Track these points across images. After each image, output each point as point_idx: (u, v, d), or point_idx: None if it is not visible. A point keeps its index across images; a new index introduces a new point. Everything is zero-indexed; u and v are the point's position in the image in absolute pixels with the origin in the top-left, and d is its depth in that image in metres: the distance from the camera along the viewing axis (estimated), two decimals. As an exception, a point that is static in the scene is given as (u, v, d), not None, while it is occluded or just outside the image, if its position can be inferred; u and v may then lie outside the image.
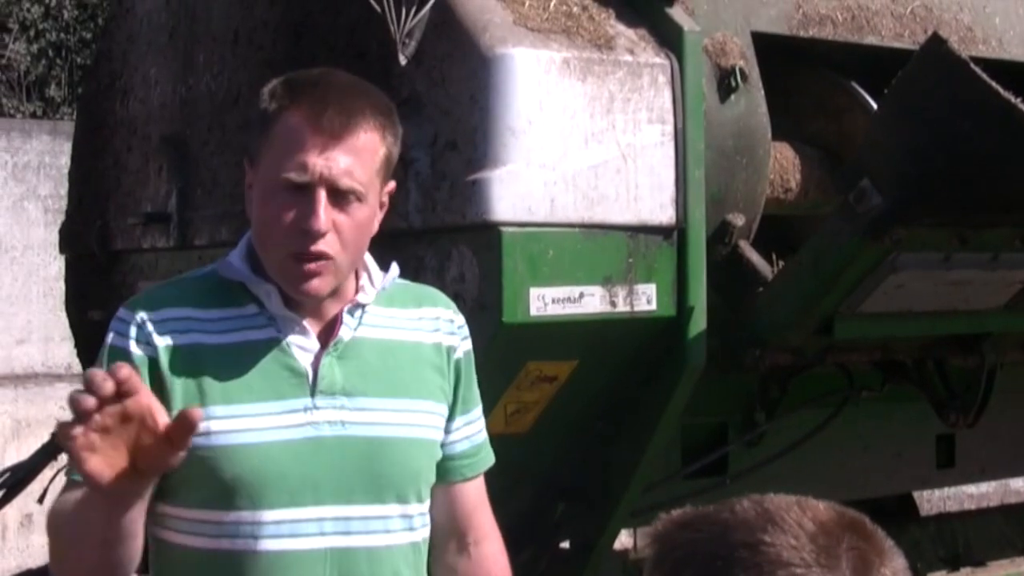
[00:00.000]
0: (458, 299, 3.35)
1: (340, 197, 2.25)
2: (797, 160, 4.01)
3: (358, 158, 2.25)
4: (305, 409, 2.31)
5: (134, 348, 2.30)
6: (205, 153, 4.39)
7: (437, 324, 2.45)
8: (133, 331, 2.31)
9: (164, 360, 2.30)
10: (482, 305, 3.33)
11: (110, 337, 2.32)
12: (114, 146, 5.03)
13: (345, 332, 2.34)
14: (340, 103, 2.25)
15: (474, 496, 2.54)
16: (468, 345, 2.50)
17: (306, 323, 2.32)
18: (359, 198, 2.27)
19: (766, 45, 3.82)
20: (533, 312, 3.32)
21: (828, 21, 3.91)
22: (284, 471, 2.30)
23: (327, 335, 2.34)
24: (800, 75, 4.01)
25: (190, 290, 2.37)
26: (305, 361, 2.32)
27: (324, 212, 2.23)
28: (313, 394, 2.32)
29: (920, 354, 4.03)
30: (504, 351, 3.38)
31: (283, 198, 2.25)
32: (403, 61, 3.38)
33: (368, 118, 2.27)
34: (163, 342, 2.30)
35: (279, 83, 2.30)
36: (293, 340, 2.32)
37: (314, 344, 2.33)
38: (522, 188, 3.31)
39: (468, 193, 3.32)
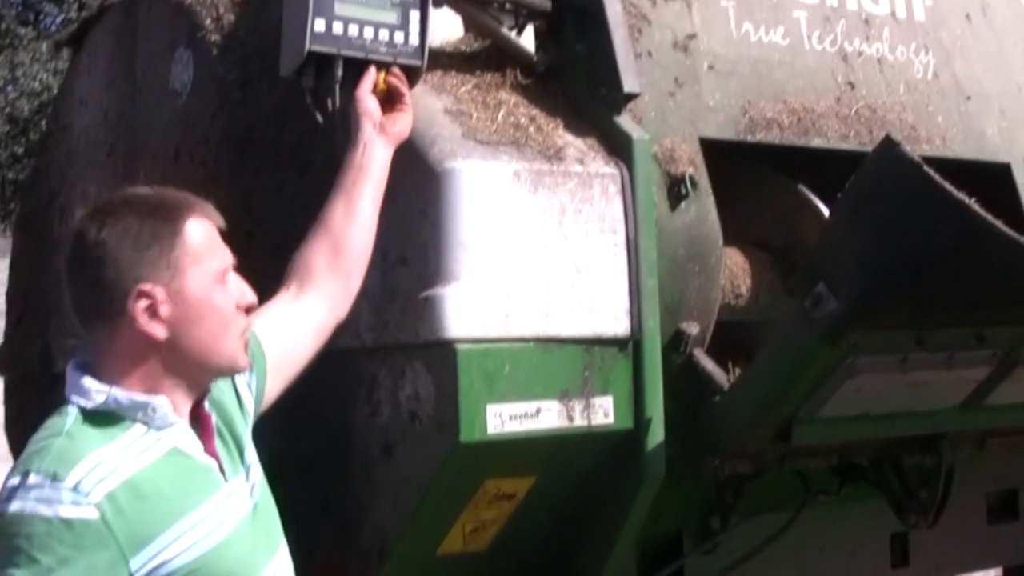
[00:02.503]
0: (414, 418, 3.32)
1: None
2: (747, 264, 4.00)
3: None
4: (230, 495, 2.51)
5: (85, 514, 2.31)
6: (147, 271, 4.31)
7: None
8: (70, 496, 2.31)
9: (110, 511, 2.33)
10: (439, 424, 3.27)
11: (43, 509, 2.29)
12: (53, 266, 4.95)
13: (212, 418, 2.59)
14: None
15: None
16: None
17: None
18: None
19: (713, 149, 3.81)
20: (491, 430, 3.26)
21: (775, 125, 3.90)
22: (244, 555, 2.50)
23: (197, 425, 2.54)
24: (748, 178, 4.00)
25: (84, 433, 2.40)
26: (204, 456, 2.52)
27: None
28: (226, 479, 2.53)
29: (877, 455, 3.99)
30: (462, 470, 3.32)
31: (223, 286, 2.53)
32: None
33: None
34: (102, 492, 2.33)
35: (150, 211, 2.49)
36: (186, 442, 2.49)
37: (195, 438, 2.51)
38: (476, 303, 3.26)
39: (421, 310, 3.27)
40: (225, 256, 2.56)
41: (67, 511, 2.28)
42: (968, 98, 4.39)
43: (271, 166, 3.85)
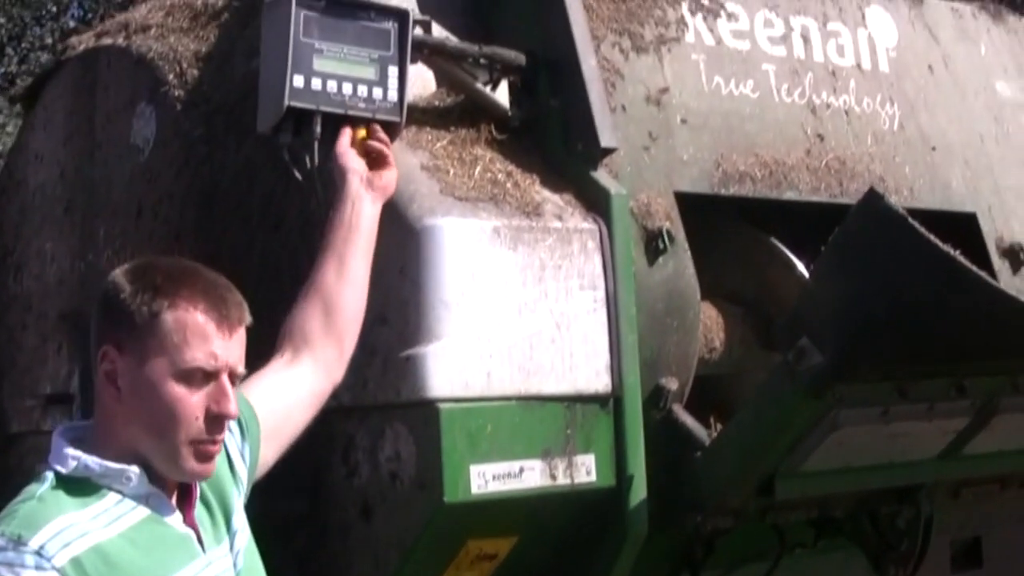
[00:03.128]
0: (394, 479, 3.27)
1: (232, 381, 2.45)
2: (720, 318, 3.98)
3: (243, 346, 2.47)
4: (207, 565, 2.45)
5: None
6: (109, 330, 4.23)
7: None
8: (33, 560, 2.26)
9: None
10: (421, 484, 3.22)
11: (5, 572, 2.26)
12: (7, 324, 4.86)
13: (197, 490, 2.52)
14: (231, 296, 2.47)
15: None
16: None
17: (164, 492, 2.45)
18: None
19: (684, 202, 3.80)
20: (475, 490, 3.22)
21: (747, 178, 3.90)
22: None
23: (181, 494, 2.48)
24: (720, 231, 3.99)
25: (57, 498, 2.37)
26: (182, 525, 2.46)
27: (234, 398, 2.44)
28: (204, 550, 2.47)
29: (854, 508, 3.98)
30: (445, 531, 3.28)
31: (188, 385, 2.39)
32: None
33: (246, 309, 2.49)
34: (66, 556, 2.29)
35: (144, 279, 2.42)
36: (164, 511, 2.43)
37: (173, 508, 2.46)
38: (458, 362, 3.22)
39: (402, 369, 3.22)
40: (207, 357, 2.40)
41: (29, 574, 2.24)
42: (933, 149, 4.42)
43: (240, 223, 3.79)
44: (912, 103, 4.42)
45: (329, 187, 3.24)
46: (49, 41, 12.13)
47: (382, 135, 3.27)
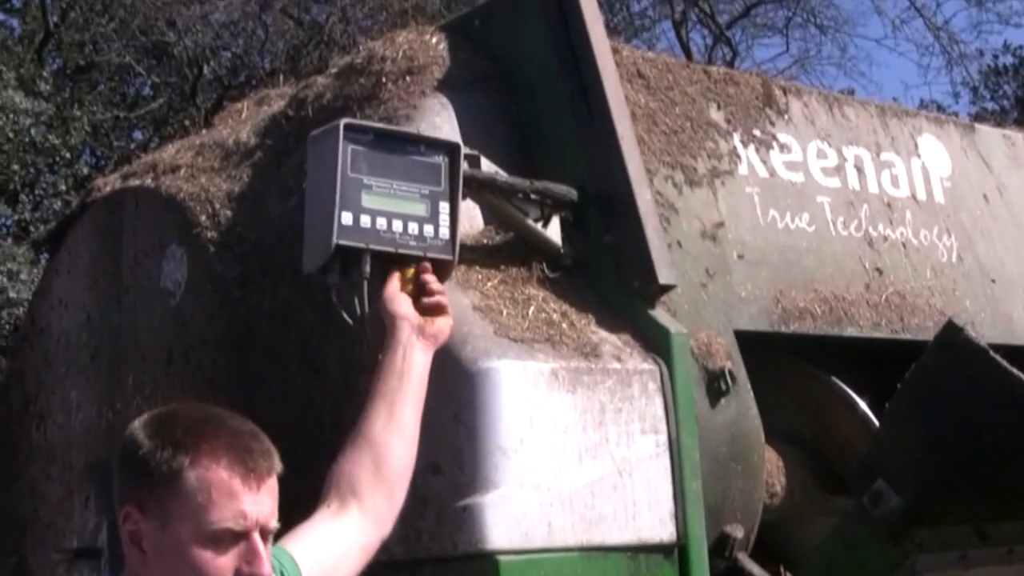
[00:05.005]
0: (451, 637, 3.08)
1: (264, 538, 2.31)
2: (780, 462, 3.82)
3: (275, 497, 2.34)
4: None
5: None
6: (139, 481, 4.06)
7: None
8: None
9: None
10: (479, 644, 3.03)
11: None
12: (30, 475, 4.70)
13: None
14: (257, 446, 2.34)
15: None
16: None
17: None
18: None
19: (743, 340, 3.64)
20: None
21: (808, 315, 3.76)
22: None
23: None
24: (778, 370, 3.83)
25: None
26: None
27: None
28: None
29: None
30: None
31: (216, 548, 2.26)
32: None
33: (275, 457, 2.37)
34: None
35: (163, 433, 2.30)
36: None
37: None
38: (517, 512, 3.05)
39: (459, 520, 3.05)
40: (236, 517, 2.28)
41: None
42: (993, 281, 4.29)
43: (278, 368, 3.64)
44: (969, 234, 4.30)
45: (378, 329, 3.09)
46: (63, 188, 12.08)
47: (432, 276, 3.11)
